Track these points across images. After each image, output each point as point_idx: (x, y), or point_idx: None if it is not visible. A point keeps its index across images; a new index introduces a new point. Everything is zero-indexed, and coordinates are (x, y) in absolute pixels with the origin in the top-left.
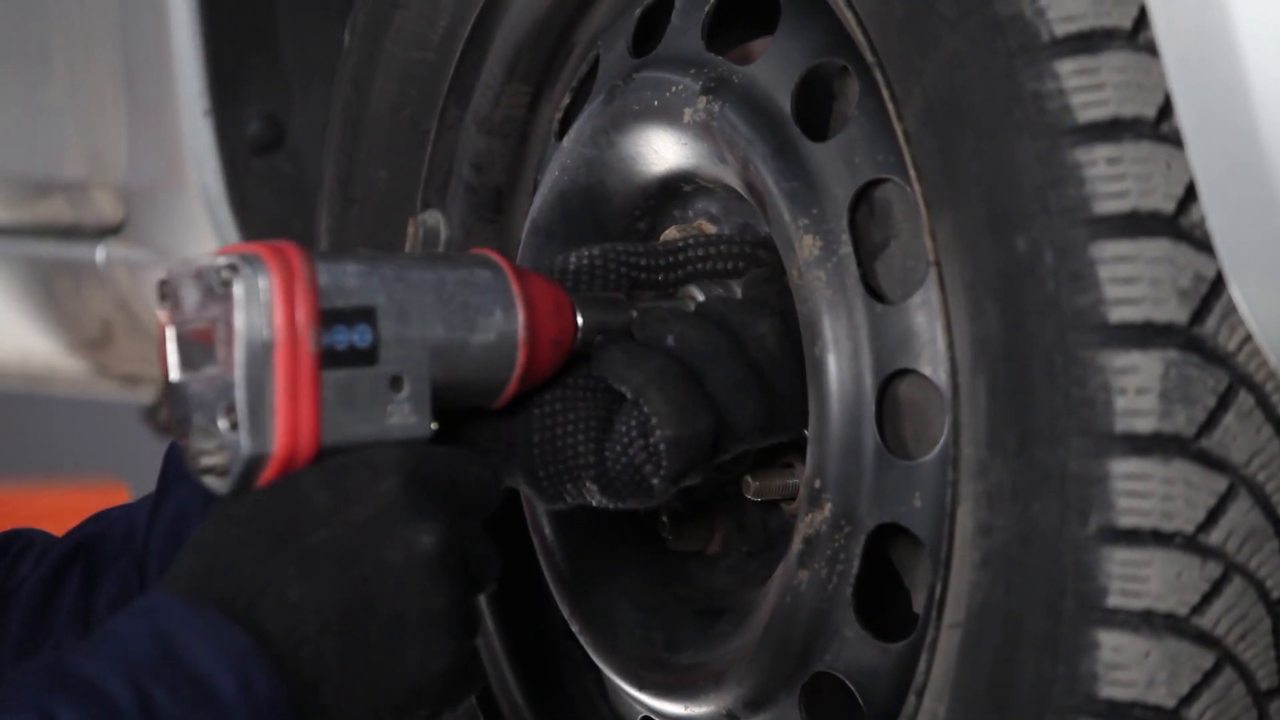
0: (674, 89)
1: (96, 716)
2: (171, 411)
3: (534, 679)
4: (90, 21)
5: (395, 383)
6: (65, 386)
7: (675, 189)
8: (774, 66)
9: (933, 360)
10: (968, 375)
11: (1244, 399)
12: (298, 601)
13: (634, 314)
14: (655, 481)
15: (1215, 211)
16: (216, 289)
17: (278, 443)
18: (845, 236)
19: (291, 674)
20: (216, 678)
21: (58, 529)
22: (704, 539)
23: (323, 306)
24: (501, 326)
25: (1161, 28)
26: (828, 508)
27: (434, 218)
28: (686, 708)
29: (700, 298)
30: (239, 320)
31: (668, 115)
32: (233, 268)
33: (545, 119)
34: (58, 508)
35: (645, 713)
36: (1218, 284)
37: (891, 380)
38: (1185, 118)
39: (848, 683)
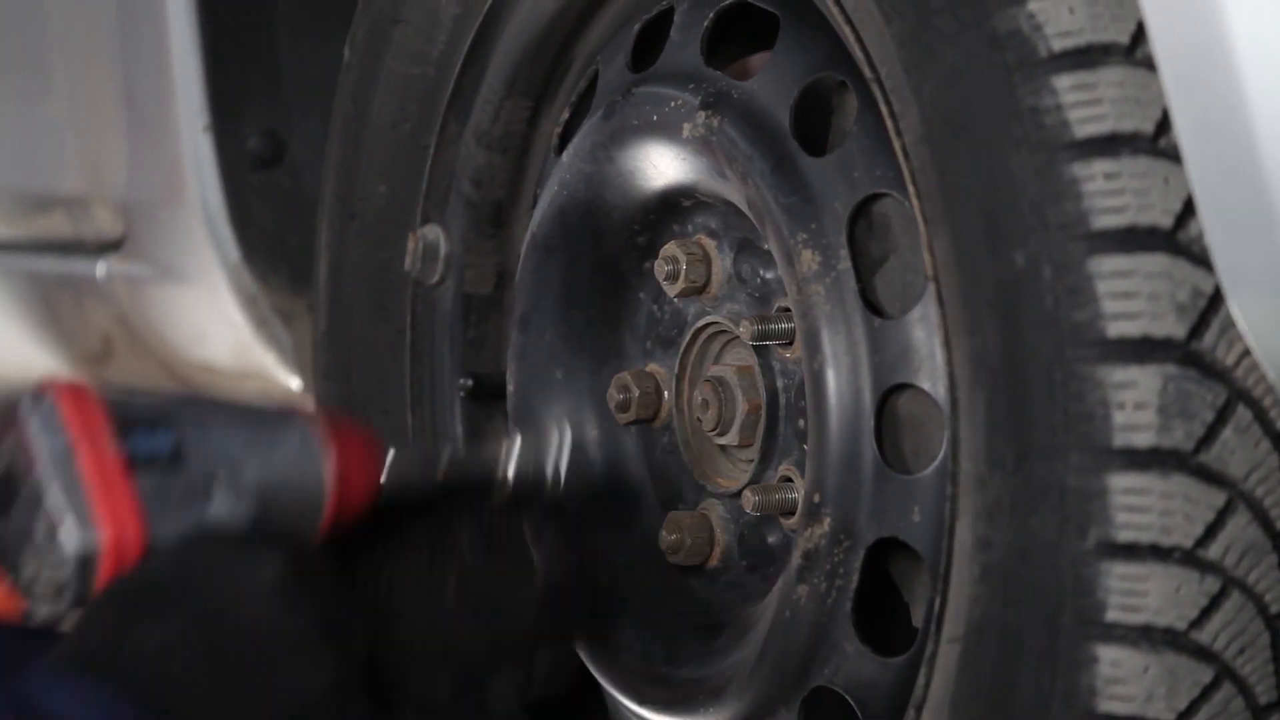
0: (673, 104)
1: None
2: (3, 570)
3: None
4: (90, 37)
5: (209, 482)
6: None
7: (674, 204)
8: (773, 82)
9: (931, 375)
10: (966, 390)
11: (1242, 414)
12: (157, 649)
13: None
14: None
15: (1213, 226)
16: (9, 424)
17: (103, 531)
18: (844, 251)
19: (164, 715)
20: None
21: None
22: (703, 554)
23: (116, 415)
24: (304, 429)
25: (1159, 43)
26: (827, 522)
27: (434, 232)
28: None
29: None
30: (33, 431)
31: (667, 130)
32: (16, 404)
33: (545, 134)
34: None
35: None
36: (1216, 299)
37: (890, 395)
38: (1183, 133)
39: (847, 697)
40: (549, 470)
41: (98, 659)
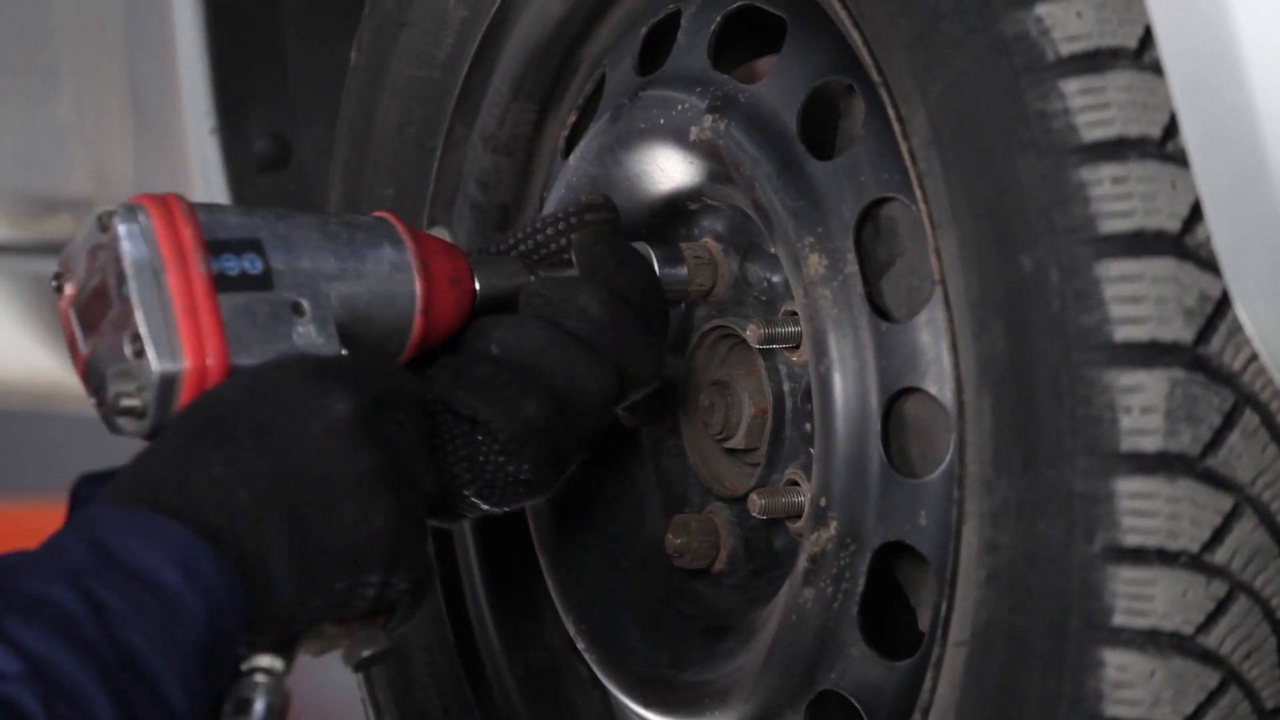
0: (680, 107)
1: (50, 623)
2: (87, 384)
3: (539, 697)
4: (97, 39)
5: (296, 308)
6: (70, 405)
7: (681, 207)
8: (780, 85)
9: (938, 379)
10: (973, 393)
11: (1249, 418)
12: (222, 479)
13: (530, 277)
14: (525, 476)
15: (1220, 231)
16: (100, 239)
17: (187, 358)
18: (851, 255)
19: (231, 552)
20: (158, 569)
21: None
22: (709, 557)
23: (206, 237)
24: (393, 258)
25: (1166, 47)
26: (833, 526)
27: (441, 235)
28: None
29: None
30: (125, 248)
31: (674, 133)
32: (110, 213)
33: (551, 137)
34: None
35: None
36: (1223, 303)
37: (897, 398)
38: (1190, 137)
39: (853, 701)
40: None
41: (166, 487)
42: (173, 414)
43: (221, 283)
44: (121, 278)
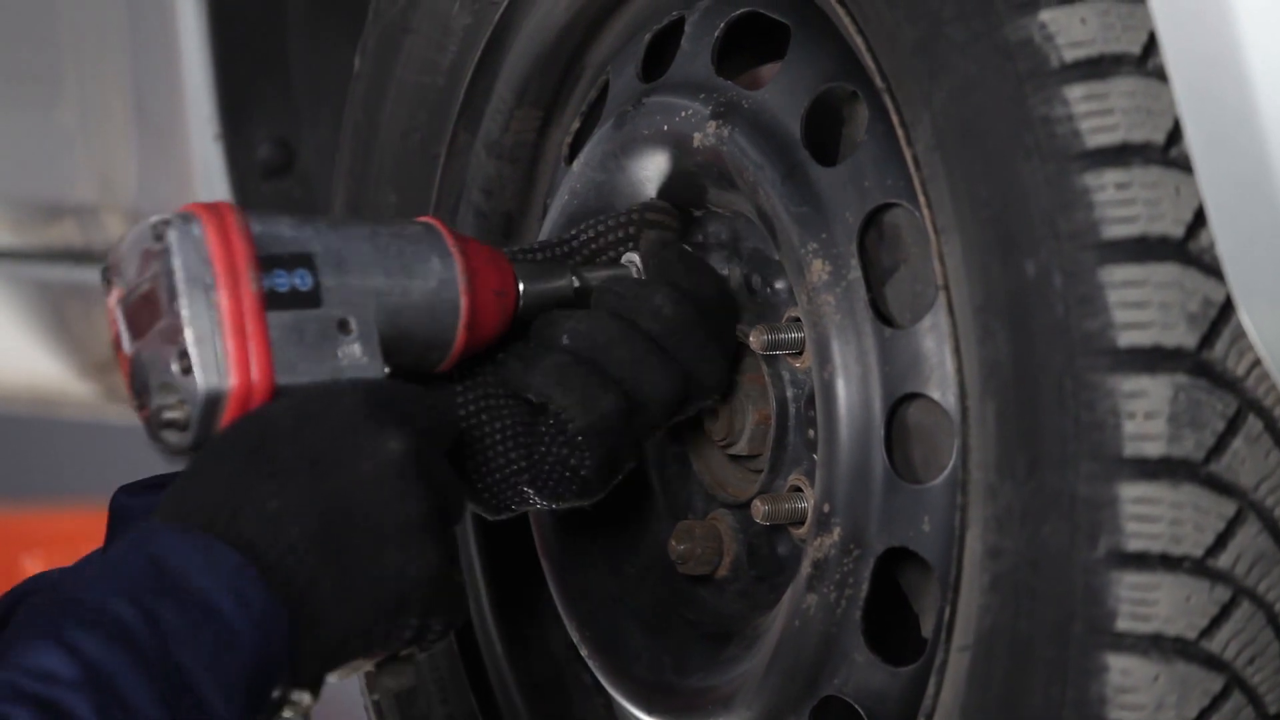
0: (684, 113)
1: (109, 635)
2: (131, 387)
3: (543, 704)
4: (101, 45)
5: (343, 326)
6: (75, 410)
7: (685, 214)
8: (784, 91)
9: (941, 384)
10: (977, 399)
11: (1253, 423)
12: (276, 513)
13: (573, 279)
14: (584, 473)
15: (1224, 236)
16: (153, 246)
17: (233, 377)
18: (854, 261)
19: (281, 586)
20: (214, 594)
21: (65, 551)
22: (713, 564)
23: (259, 253)
24: (440, 273)
25: (1170, 53)
26: (837, 532)
27: None
28: None
29: (638, 263)
30: (178, 263)
31: (677, 140)
32: (166, 222)
33: (555, 144)
34: (67, 531)
35: None
36: (1226, 308)
37: (900, 404)
38: (1194, 143)
39: (856, 706)
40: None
41: (218, 519)
42: (215, 431)
43: (272, 300)
44: (173, 292)
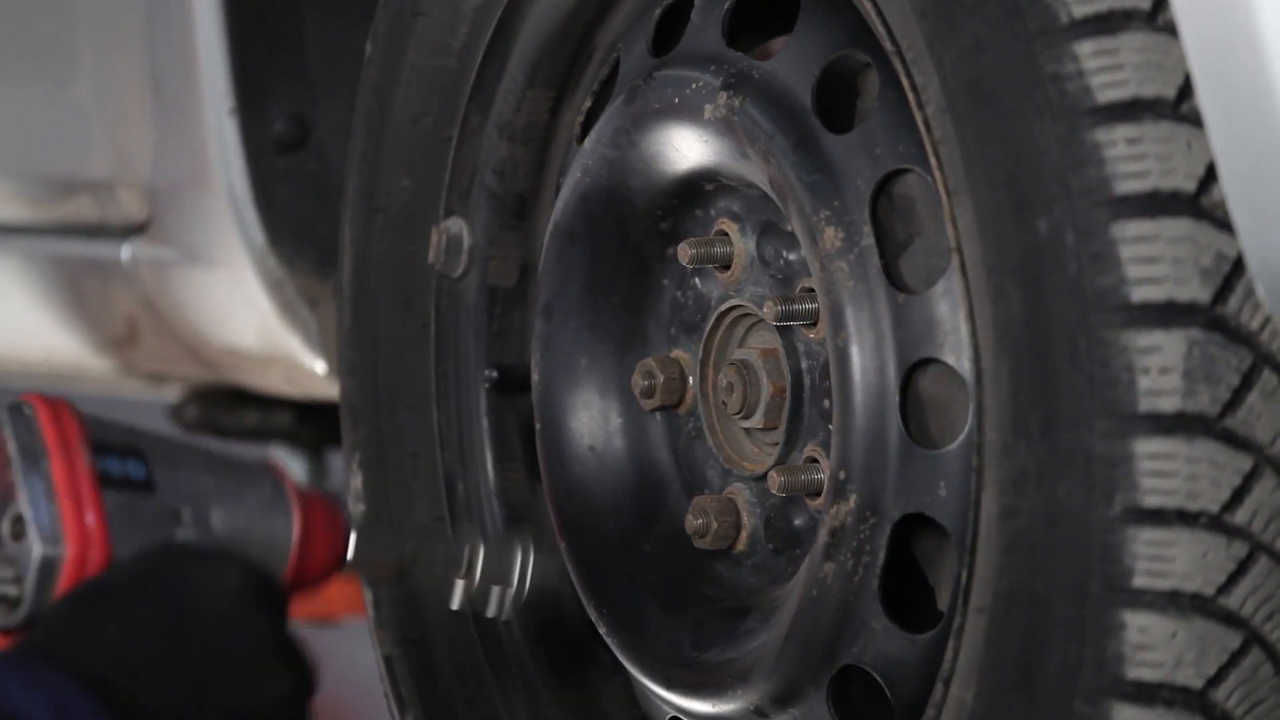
0: (694, 86)
1: None
2: None
3: (563, 684)
4: (116, 21)
5: (176, 516)
6: (91, 385)
7: (697, 187)
8: (794, 60)
9: (956, 348)
10: (991, 360)
11: (1268, 378)
12: (117, 640)
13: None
14: None
15: (1234, 191)
16: None
17: (68, 544)
18: (867, 228)
19: (125, 707)
20: (30, 711)
21: None
22: (730, 537)
23: (92, 436)
24: (274, 486)
25: (1180, 8)
26: (853, 500)
27: (457, 225)
28: (714, 706)
29: None
30: (11, 436)
31: (689, 112)
32: None
33: (567, 123)
34: None
35: (673, 713)
36: (1239, 263)
37: (915, 370)
38: (1205, 98)
39: (875, 675)
40: (512, 580)
41: (56, 648)
42: (49, 602)
43: (105, 480)
44: (6, 461)
